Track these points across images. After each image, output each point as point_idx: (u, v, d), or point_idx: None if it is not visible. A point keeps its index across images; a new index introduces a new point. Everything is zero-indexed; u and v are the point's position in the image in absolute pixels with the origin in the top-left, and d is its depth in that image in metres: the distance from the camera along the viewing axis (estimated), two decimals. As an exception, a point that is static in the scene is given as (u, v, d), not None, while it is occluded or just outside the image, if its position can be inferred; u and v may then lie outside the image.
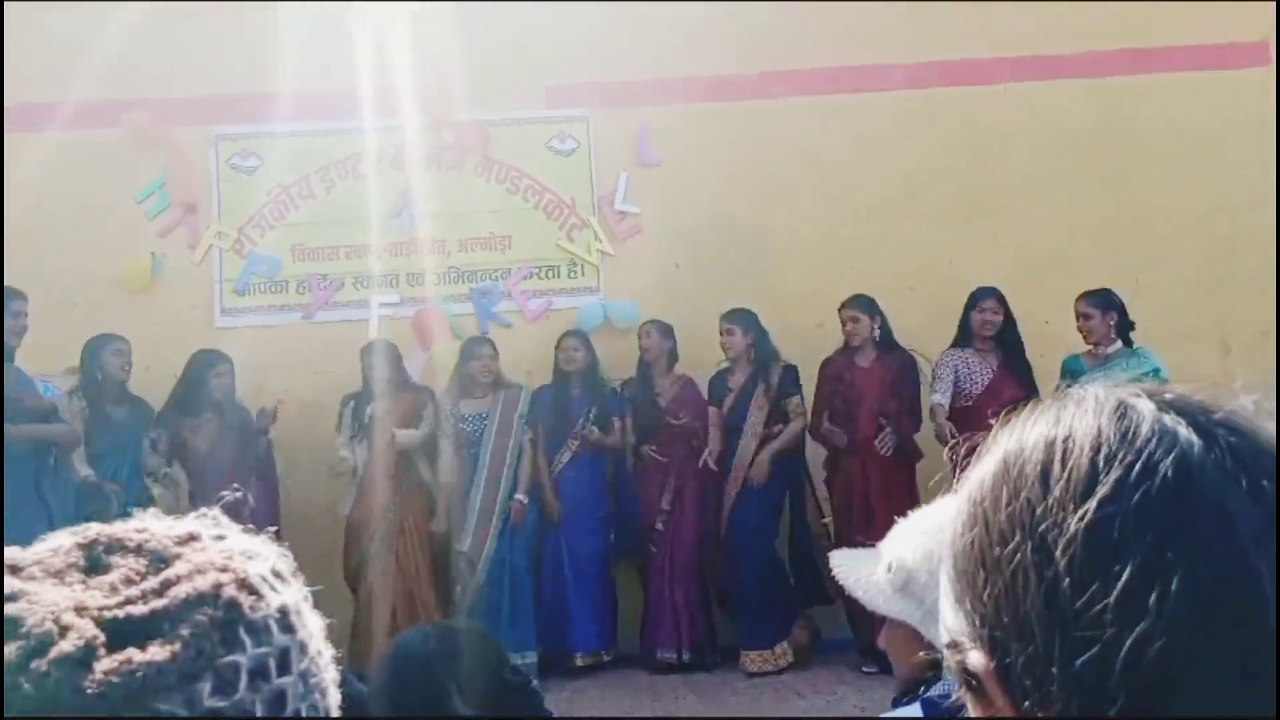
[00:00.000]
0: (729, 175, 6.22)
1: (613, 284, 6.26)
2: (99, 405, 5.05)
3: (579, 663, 5.36)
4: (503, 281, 6.25)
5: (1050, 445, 0.59)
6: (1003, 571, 0.58)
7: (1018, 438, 0.62)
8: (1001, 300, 5.44)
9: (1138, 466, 0.56)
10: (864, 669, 5.07)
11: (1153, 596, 0.53)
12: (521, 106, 6.32)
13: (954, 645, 0.63)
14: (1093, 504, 0.55)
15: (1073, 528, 0.55)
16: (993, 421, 0.67)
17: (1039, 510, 0.57)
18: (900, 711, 1.51)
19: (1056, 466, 0.58)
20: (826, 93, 6.33)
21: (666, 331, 5.68)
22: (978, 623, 0.60)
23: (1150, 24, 6.22)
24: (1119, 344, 5.25)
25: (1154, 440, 0.57)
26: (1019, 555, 0.57)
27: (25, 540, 0.62)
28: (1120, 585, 0.53)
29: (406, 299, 6.20)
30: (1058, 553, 0.55)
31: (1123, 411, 0.59)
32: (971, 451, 0.67)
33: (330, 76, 6.00)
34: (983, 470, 0.64)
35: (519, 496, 5.41)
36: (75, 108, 5.86)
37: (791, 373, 5.52)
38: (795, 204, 6.20)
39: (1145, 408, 0.59)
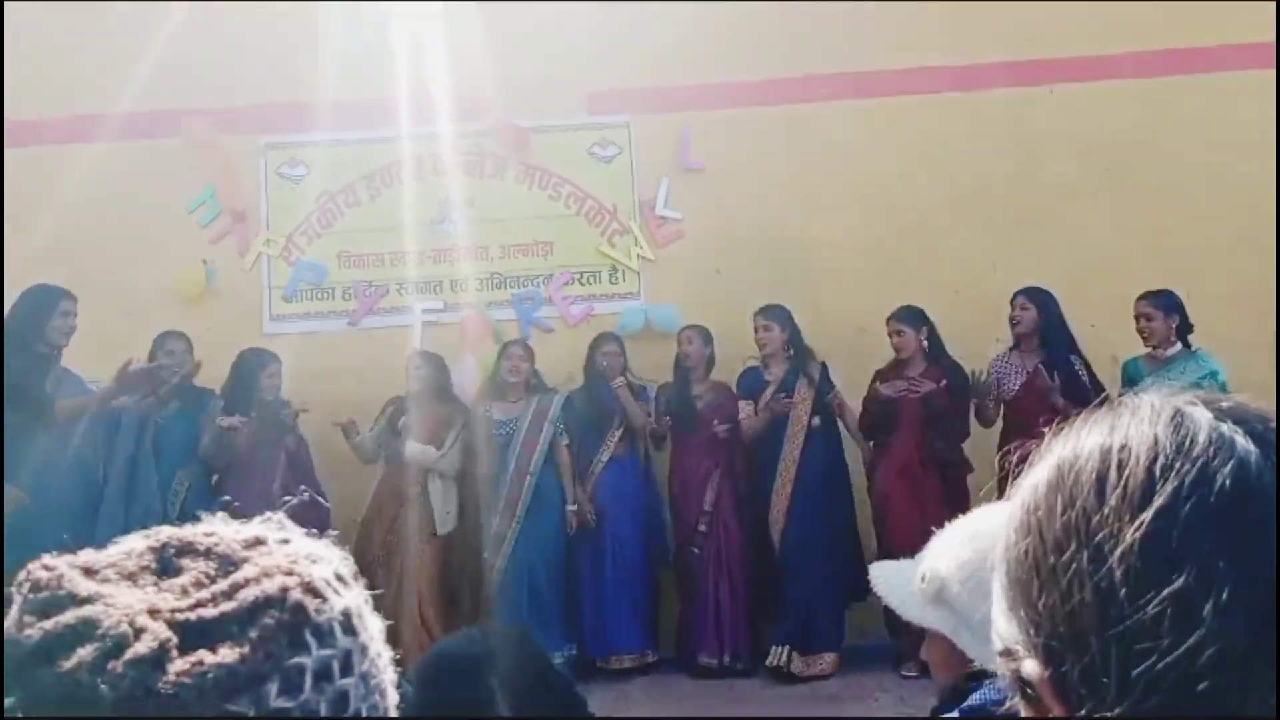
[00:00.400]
0: (771, 180, 6.21)
1: (653, 289, 6.27)
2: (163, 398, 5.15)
3: (625, 664, 5.34)
4: (544, 287, 6.29)
5: (1106, 454, 0.59)
6: (1058, 581, 0.58)
7: (1073, 446, 0.62)
8: (1034, 297, 5.36)
9: (1194, 476, 0.56)
10: (904, 673, 5.03)
11: (1208, 606, 0.52)
12: (563, 113, 6.35)
13: (1008, 653, 0.63)
14: (1149, 514, 0.55)
15: (1129, 538, 0.55)
16: (1044, 430, 0.67)
17: (1094, 520, 0.57)
18: None
19: (1112, 475, 0.58)
20: (871, 96, 6.30)
21: (707, 337, 5.68)
22: (1032, 631, 0.60)
23: (1201, 23, 6.13)
24: (1179, 346, 5.16)
25: (1211, 449, 0.57)
26: (1074, 564, 0.57)
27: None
28: (1175, 595, 0.53)
29: (449, 305, 6.26)
30: (1113, 562, 0.55)
31: (1179, 420, 0.59)
32: (1023, 460, 0.67)
33: (375, 85, 6.09)
34: (1036, 478, 0.64)
35: (571, 508, 5.43)
36: (126, 118, 5.99)
37: (826, 370, 5.50)
38: (838, 210, 6.17)
39: (1202, 416, 0.59)
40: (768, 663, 5.25)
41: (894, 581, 1.49)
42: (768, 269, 6.05)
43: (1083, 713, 0.57)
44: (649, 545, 5.55)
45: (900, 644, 5.14)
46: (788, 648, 5.22)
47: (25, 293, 4.66)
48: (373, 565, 5.23)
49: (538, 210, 6.34)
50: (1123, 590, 0.55)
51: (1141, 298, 5.22)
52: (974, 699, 1.35)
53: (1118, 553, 0.55)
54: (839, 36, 6.20)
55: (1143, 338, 5.21)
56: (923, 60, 6.27)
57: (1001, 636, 0.64)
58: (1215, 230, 5.96)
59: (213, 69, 6.10)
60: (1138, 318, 5.19)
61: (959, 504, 5.12)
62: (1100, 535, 0.57)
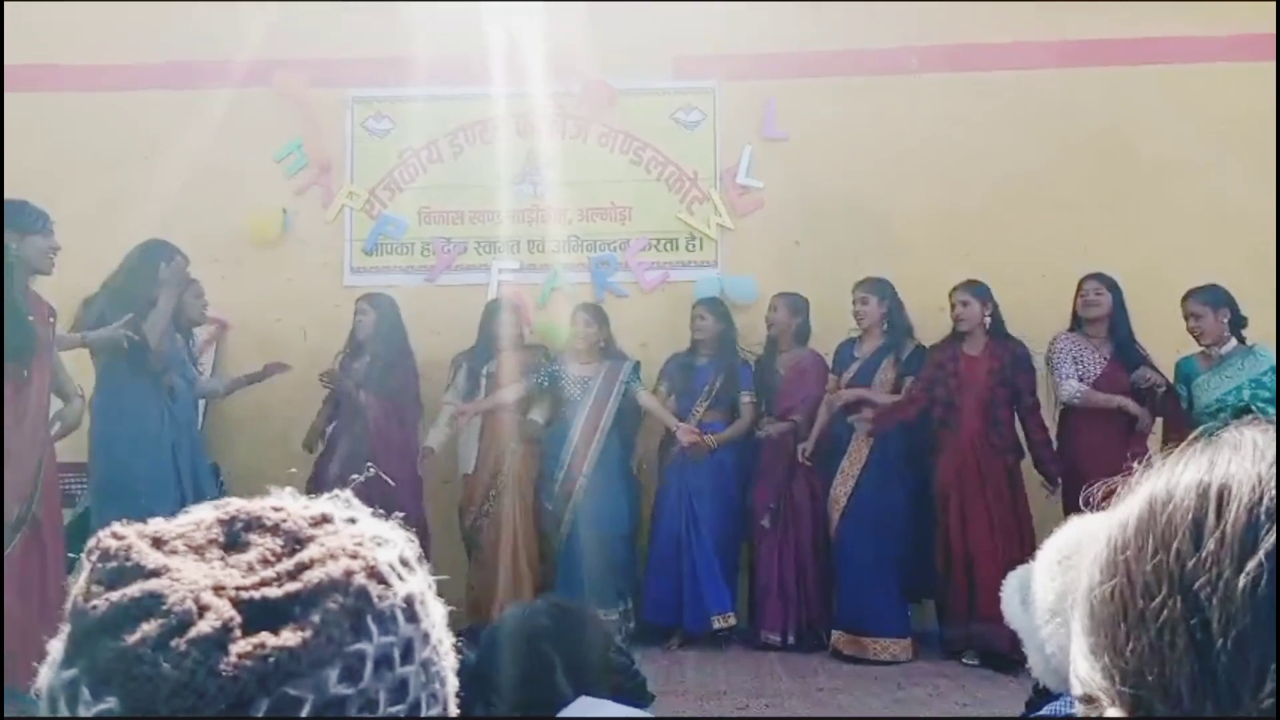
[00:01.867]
0: (855, 152, 6.09)
1: (731, 259, 6.21)
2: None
3: (716, 625, 5.30)
4: (621, 252, 6.27)
5: (1204, 494, 0.55)
6: (1147, 628, 0.54)
7: (1166, 482, 0.58)
8: (1109, 285, 5.21)
9: None
10: (965, 661, 4.96)
11: None
12: (648, 76, 6.30)
13: (1088, 699, 0.59)
14: (1252, 564, 0.51)
15: (1229, 587, 0.51)
16: (1134, 465, 0.62)
17: (1190, 565, 0.53)
18: None
19: (1210, 518, 0.54)
20: (961, 70, 6.14)
21: (795, 306, 5.59)
22: (1117, 679, 0.56)
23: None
24: (1233, 342, 4.96)
25: None
26: (1166, 611, 0.53)
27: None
28: None
29: (526, 265, 6.28)
30: (1211, 614, 0.51)
31: None
32: (1108, 495, 0.63)
33: (462, 42, 6.09)
34: (1125, 514, 0.59)
35: (681, 427, 5.38)
36: (218, 68, 6.10)
37: (921, 353, 5.37)
38: (922, 184, 6.04)
39: None
40: (831, 645, 5.22)
41: (1010, 578, 1.50)
42: (848, 242, 5.96)
43: None
44: (734, 513, 5.51)
45: (950, 634, 5.07)
46: (844, 631, 5.19)
47: (139, 246, 4.75)
48: (482, 523, 5.42)
49: (618, 174, 6.31)
50: (1220, 642, 0.51)
51: (1187, 296, 5.02)
52: (1051, 708, 1.31)
53: (1216, 602, 0.51)
54: (931, 6, 6.03)
55: (1194, 337, 5.01)
56: (1018, 35, 6.08)
57: (1081, 680, 0.60)
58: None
59: (306, 21, 6.16)
60: (1186, 317, 5.00)
61: (1019, 491, 5.08)
62: (1198, 583, 0.52)
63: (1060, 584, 1.35)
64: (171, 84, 6.20)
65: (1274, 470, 0.54)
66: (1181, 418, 4.91)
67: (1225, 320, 4.92)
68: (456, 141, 6.37)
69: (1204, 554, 0.53)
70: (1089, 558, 0.61)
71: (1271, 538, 0.51)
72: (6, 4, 5.83)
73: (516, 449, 5.53)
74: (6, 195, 4.22)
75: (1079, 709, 0.60)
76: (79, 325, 4.55)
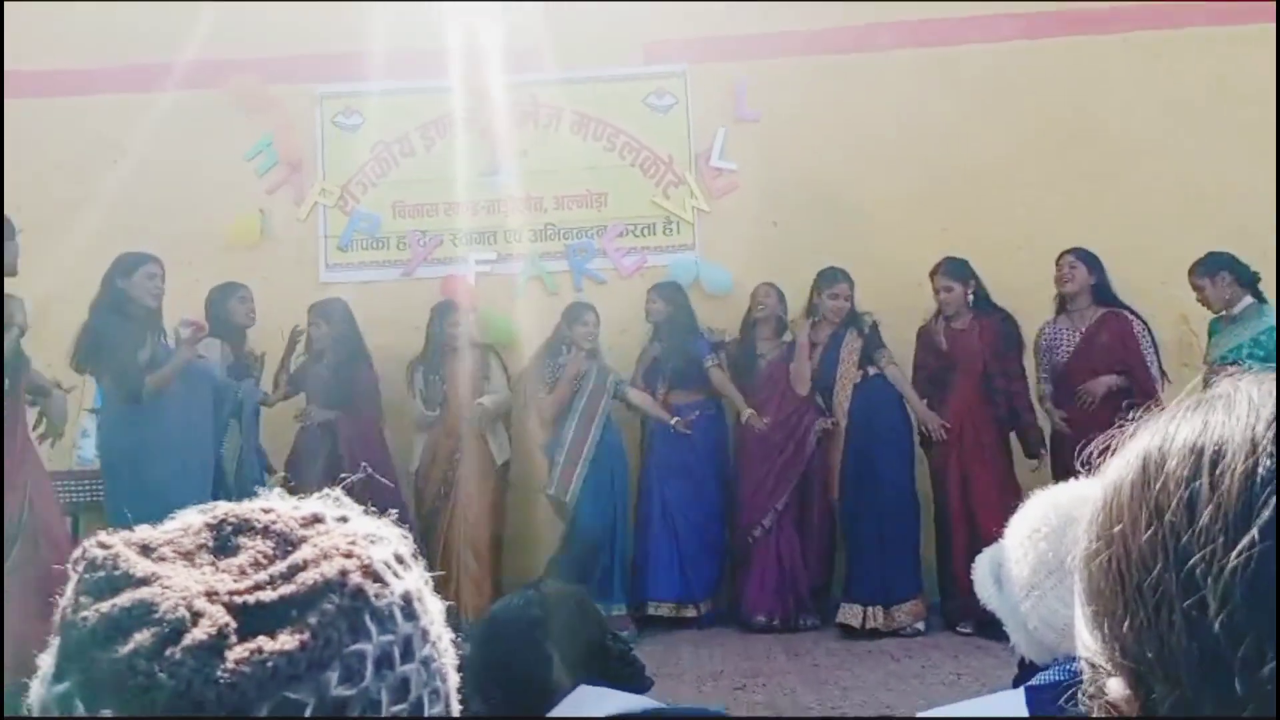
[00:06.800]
0: (828, 131, 6.09)
1: (708, 241, 6.21)
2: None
3: (661, 612, 5.36)
4: (597, 239, 6.25)
5: (1198, 458, 0.52)
6: (1144, 602, 0.52)
7: (1160, 442, 0.55)
8: (1083, 257, 5.22)
9: None
10: (959, 629, 5.00)
11: None
12: (619, 63, 6.27)
13: (1092, 666, 0.57)
14: (1246, 540, 0.48)
15: (1223, 565, 0.49)
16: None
17: (1185, 538, 0.51)
18: (999, 696, 1.47)
19: (1204, 487, 0.51)
20: (930, 45, 6.13)
21: (781, 296, 5.64)
22: (1118, 652, 0.54)
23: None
24: (1248, 300, 4.99)
25: None
26: (1162, 587, 0.51)
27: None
28: None
29: (503, 256, 6.25)
30: (1208, 592, 0.49)
31: None
32: (1105, 450, 0.61)
33: (430, 33, 6.04)
34: (1120, 475, 0.57)
35: (672, 421, 5.45)
36: (183, 68, 6.01)
37: (876, 327, 5.43)
38: (896, 161, 6.05)
39: None
40: (837, 619, 5.23)
41: (980, 560, 1.49)
42: (824, 222, 5.96)
43: None
44: (716, 496, 5.53)
45: (950, 605, 5.10)
46: (858, 605, 5.18)
47: (115, 260, 4.67)
48: (435, 504, 5.38)
49: (592, 161, 6.29)
50: (1218, 622, 0.48)
51: (1190, 271, 5.07)
52: (1043, 677, 1.31)
53: (1211, 580, 0.49)
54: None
55: (1207, 308, 5.09)
56: (984, 8, 6.09)
57: (1085, 646, 0.58)
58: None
59: (269, 19, 6.08)
60: (1195, 290, 5.06)
61: (1009, 462, 5.12)
62: (1193, 559, 0.50)
63: (1034, 557, 1.35)
64: (133, 87, 6.12)
65: (1268, 432, 0.51)
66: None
67: (1227, 283, 4.95)
68: (428, 134, 6.33)
69: (1198, 528, 0.50)
70: (1085, 518, 0.59)
71: (1268, 511, 0.48)
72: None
73: (469, 440, 5.46)
74: None
75: (1085, 672, 0.59)
76: (81, 353, 4.44)
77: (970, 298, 5.30)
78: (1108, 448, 0.60)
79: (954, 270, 5.31)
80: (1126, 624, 0.53)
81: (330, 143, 6.35)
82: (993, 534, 1.51)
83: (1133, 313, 5.17)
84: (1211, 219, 5.64)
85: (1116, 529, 0.55)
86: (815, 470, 5.42)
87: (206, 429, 4.64)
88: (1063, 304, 5.30)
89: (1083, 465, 0.64)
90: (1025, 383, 5.28)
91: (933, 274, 5.35)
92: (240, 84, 6.18)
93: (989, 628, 4.70)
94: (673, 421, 5.45)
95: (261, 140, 6.30)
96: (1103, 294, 5.22)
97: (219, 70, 6.11)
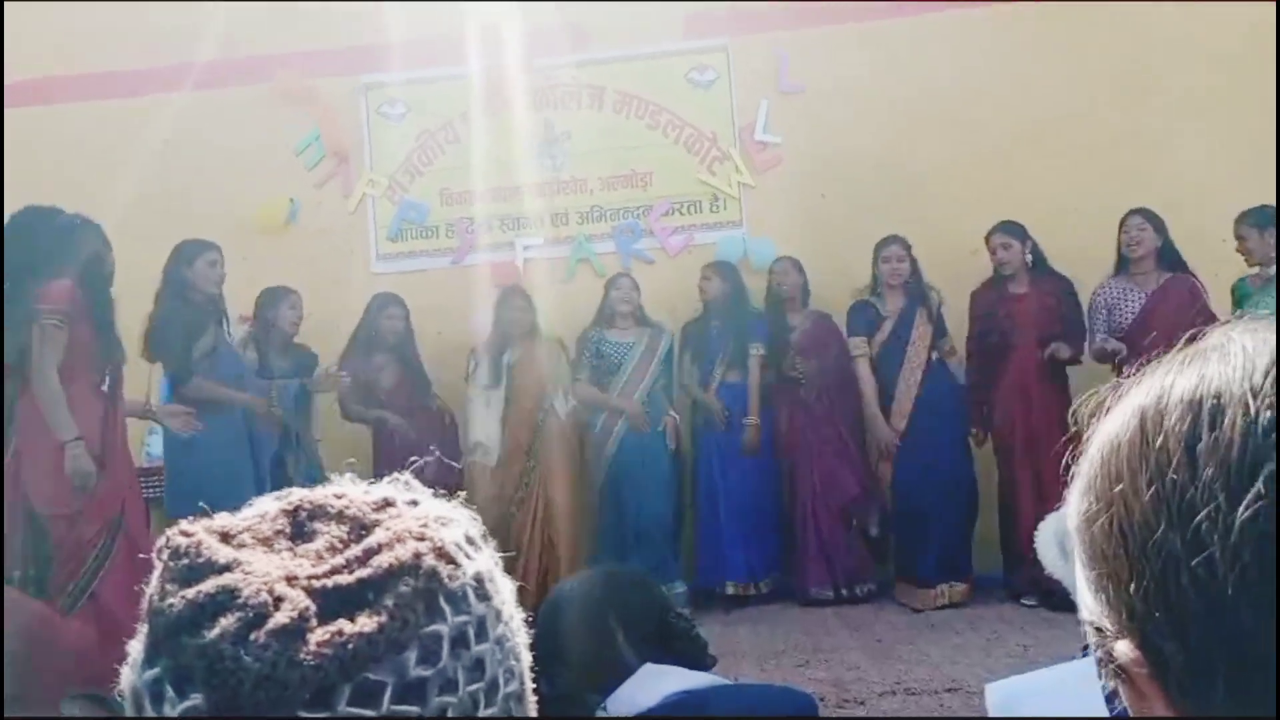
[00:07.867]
0: (873, 100, 6.01)
1: (755, 217, 6.17)
2: (266, 355, 5.26)
3: (730, 591, 5.38)
4: (644, 218, 6.24)
5: (1196, 413, 0.50)
6: (1150, 563, 0.50)
7: (1156, 398, 0.53)
8: (1151, 218, 5.07)
9: None
10: (1023, 601, 4.95)
11: None
12: (659, 39, 6.23)
13: (1098, 630, 0.55)
14: (1252, 494, 0.46)
15: (1230, 521, 0.47)
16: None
17: (1188, 495, 0.49)
18: (1069, 665, 1.45)
19: (1204, 440, 0.49)
20: (976, 2, 5.99)
21: (800, 267, 5.62)
22: (1124, 615, 0.53)
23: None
24: None
25: None
26: (1168, 547, 0.49)
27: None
28: None
29: (550, 240, 6.27)
30: (1215, 550, 0.47)
31: None
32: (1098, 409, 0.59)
33: (469, 19, 6.05)
34: (1116, 432, 0.55)
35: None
36: (230, 66, 6.10)
37: (940, 314, 5.39)
38: (944, 127, 5.95)
39: None
40: (895, 595, 5.23)
41: (1043, 528, 1.46)
42: (872, 192, 5.89)
43: (1188, 705, 0.49)
44: (763, 473, 5.52)
45: (1015, 578, 5.05)
46: (904, 580, 5.19)
47: (175, 248, 4.74)
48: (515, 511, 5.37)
49: (636, 140, 6.27)
50: (1228, 582, 0.47)
51: (1238, 219, 4.92)
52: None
53: (1217, 538, 0.47)
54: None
55: (1245, 259, 4.93)
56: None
57: (1089, 609, 0.56)
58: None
59: (311, 11, 6.13)
60: (1236, 240, 4.92)
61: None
62: (1198, 516, 0.48)
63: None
64: (185, 86, 6.20)
65: (1265, 381, 0.49)
66: None
67: (1272, 240, 4.82)
68: (472, 120, 6.35)
69: (1200, 485, 0.48)
70: (1082, 479, 0.57)
71: (1270, 464, 0.47)
72: (9, 19, 5.84)
73: (547, 437, 5.46)
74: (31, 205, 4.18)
75: (1090, 638, 0.57)
76: (150, 342, 4.53)
77: (1029, 258, 5.21)
78: (1100, 405, 0.59)
79: (1011, 229, 5.23)
80: (1132, 586, 0.51)
81: (376, 133, 6.41)
82: (1056, 505, 1.48)
83: (1194, 277, 5.05)
84: (1262, 179, 5.47)
85: (1116, 489, 0.53)
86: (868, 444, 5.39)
87: (262, 432, 4.72)
88: (1121, 264, 5.18)
89: (1074, 423, 0.62)
90: (1081, 349, 5.16)
91: (989, 236, 5.27)
92: (285, 79, 6.26)
93: (1052, 599, 4.67)
94: (625, 407, 5.44)
95: (310, 133, 6.37)
96: (1168, 256, 5.09)
97: (263, 66, 6.18)
